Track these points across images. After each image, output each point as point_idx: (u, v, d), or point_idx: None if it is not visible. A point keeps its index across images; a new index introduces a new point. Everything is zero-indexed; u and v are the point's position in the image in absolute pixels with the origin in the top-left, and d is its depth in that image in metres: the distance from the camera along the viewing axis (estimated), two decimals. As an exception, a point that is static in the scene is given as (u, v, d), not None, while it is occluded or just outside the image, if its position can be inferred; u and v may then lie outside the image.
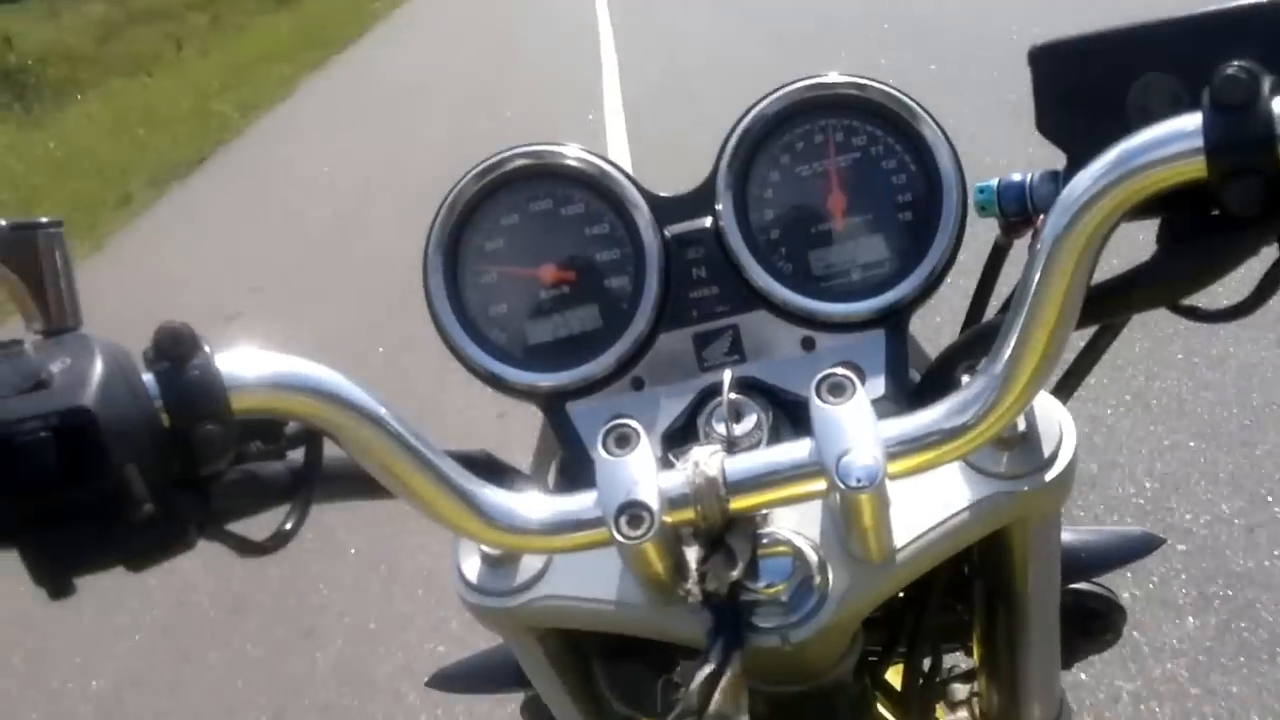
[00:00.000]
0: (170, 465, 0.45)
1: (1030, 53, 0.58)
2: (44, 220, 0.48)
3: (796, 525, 0.59)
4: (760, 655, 0.56)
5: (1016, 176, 0.63)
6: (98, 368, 0.43)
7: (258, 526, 0.52)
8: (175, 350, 0.45)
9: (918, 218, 0.68)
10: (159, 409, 0.45)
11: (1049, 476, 0.58)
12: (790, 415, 0.65)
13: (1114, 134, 0.48)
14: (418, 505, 0.52)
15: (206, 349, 0.46)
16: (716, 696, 0.49)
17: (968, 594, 0.76)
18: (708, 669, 0.50)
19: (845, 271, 0.68)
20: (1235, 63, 0.45)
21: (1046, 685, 0.76)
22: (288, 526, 0.52)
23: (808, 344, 0.67)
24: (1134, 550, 0.88)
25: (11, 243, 0.47)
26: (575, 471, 0.67)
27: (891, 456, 0.51)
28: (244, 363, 0.47)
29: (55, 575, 0.43)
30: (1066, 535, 0.82)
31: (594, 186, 0.69)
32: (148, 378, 0.45)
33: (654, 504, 0.50)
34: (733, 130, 0.69)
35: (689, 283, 0.68)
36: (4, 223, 0.47)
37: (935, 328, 1.89)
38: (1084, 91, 0.57)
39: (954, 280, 0.69)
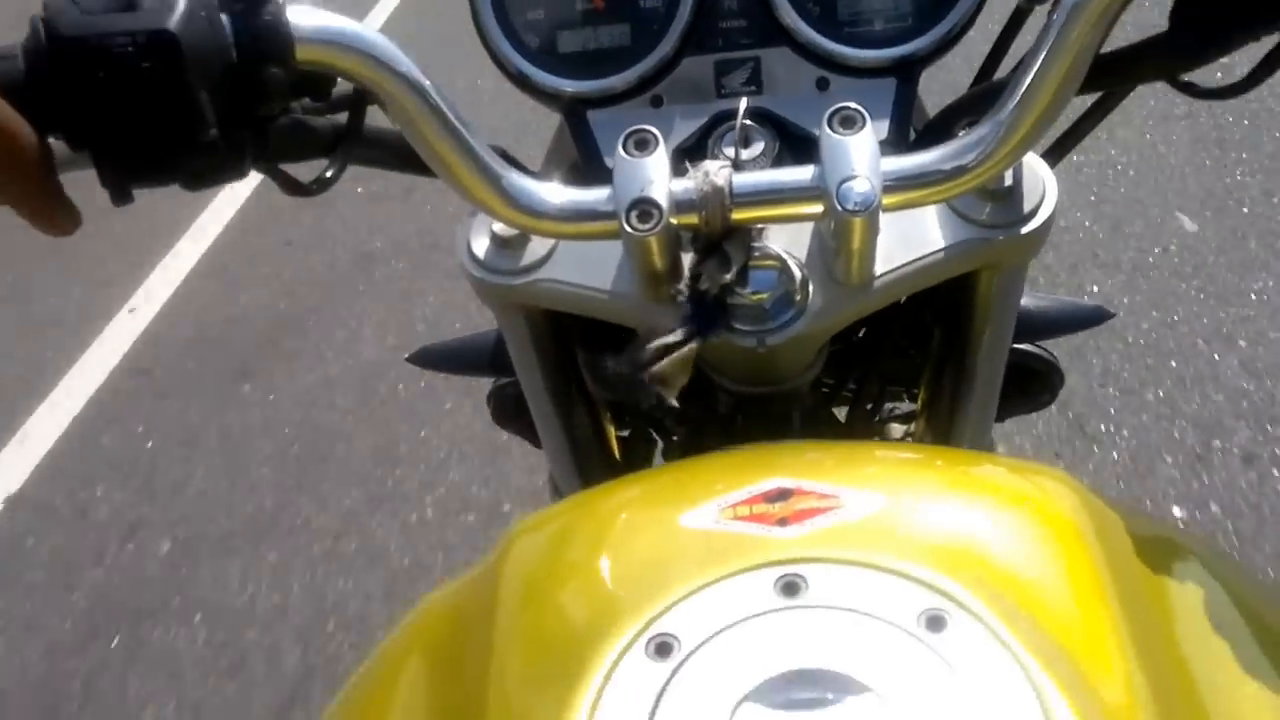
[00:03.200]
0: (234, 100, 0.49)
1: None
2: None
3: (786, 245, 0.65)
4: (734, 354, 0.63)
5: None
6: None
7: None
8: None
9: None
10: (230, 45, 0.49)
11: (1026, 229, 0.63)
12: (795, 149, 0.69)
13: None
14: (447, 177, 0.57)
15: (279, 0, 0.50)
16: (663, 362, 0.56)
17: (923, 340, 0.83)
18: (667, 339, 0.56)
19: (870, 20, 0.70)
20: None
21: (980, 433, 0.84)
22: (328, 174, 0.57)
23: (822, 84, 0.70)
24: (1082, 320, 0.93)
25: None
26: (587, 174, 0.72)
27: (888, 189, 0.56)
28: (311, 17, 0.51)
29: (120, 182, 0.49)
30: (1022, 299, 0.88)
31: None
32: (224, 17, 0.49)
33: (664, 203, 0.55)
34: None
35: (719, 13, 0.71)
36: None
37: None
38: None
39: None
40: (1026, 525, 0.46)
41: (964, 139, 0.57)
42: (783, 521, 0.46)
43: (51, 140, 0.48)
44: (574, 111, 0.71)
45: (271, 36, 0.49)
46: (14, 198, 0.47)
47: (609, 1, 0.71)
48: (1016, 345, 0.89)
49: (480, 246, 0.68)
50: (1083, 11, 0.51)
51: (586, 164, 0.71)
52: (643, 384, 0.56)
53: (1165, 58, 0.58)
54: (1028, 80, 0.54)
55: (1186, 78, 0.60)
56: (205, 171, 0.50)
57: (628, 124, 0.70)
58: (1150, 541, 0.49)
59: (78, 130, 0.47)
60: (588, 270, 0.66)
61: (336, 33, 0.51)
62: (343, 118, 0.59)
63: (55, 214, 0.49)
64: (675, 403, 0.58)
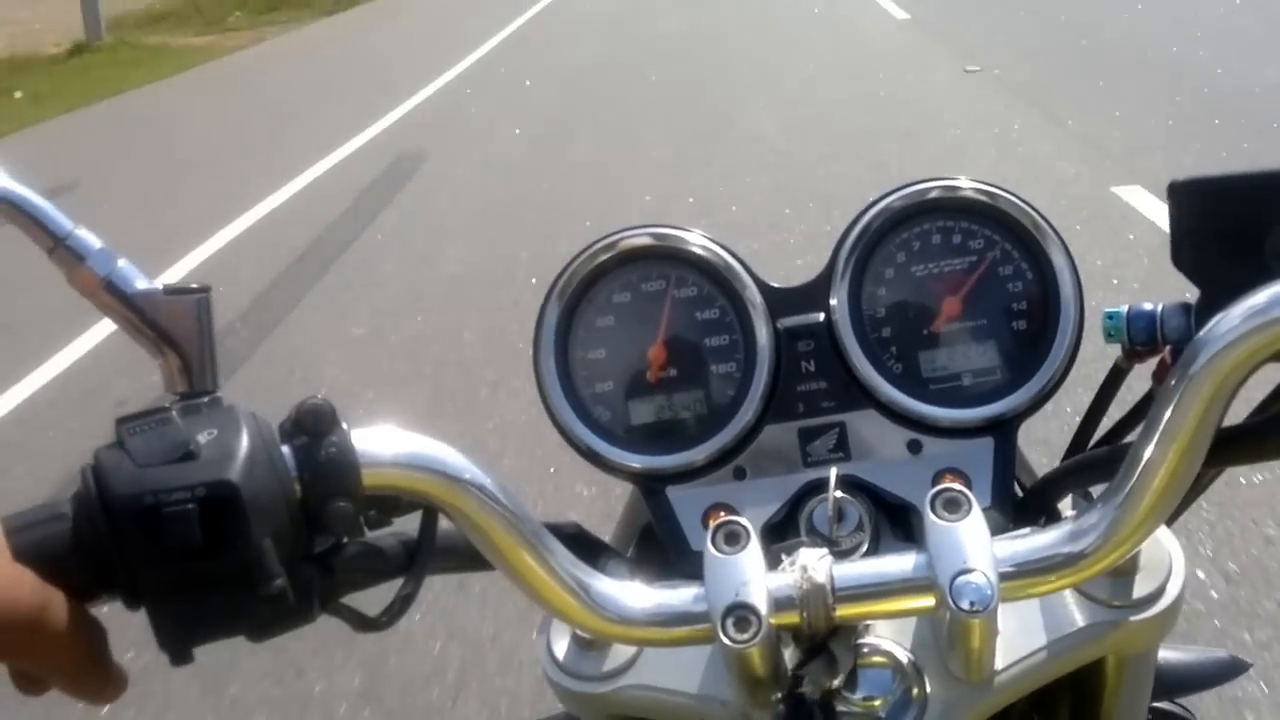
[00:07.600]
0: (298, 541, 0.46)
1: (1170, 186, 0.58)
2: (195, 286, 0.49)
3: (894, 634, 0.58)
4: None
5: (1147, 306, 0.62)
6: (243, 441, 0.44)
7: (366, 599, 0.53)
8: (315, 426, 0.46)
9: (1032, 326, 0.67)
10: (294, 481, 0.46)
11: (1156, 609, 0.57)
12: (892, 518, 0.64)
13: (1250, 276, 0.47)
14: (525, 588, 0.52)
15: (344, 425, 0.47)
16: None
17: (1050, 707, 0.74)
18: None
19: (955, 376, 0.67)
20: None
21: None
22: (405, 594, 0.51)
23: (914, 447, 0.66)
24: (1218, 673, 0.86)
25: (164, 307, 0.48)
26: (668, 553, 0.67)
27: (1005, 578, 0.50)
28: (376, 441, 0.48)
29: (180, 642, 0.44)
30: None
31: (710, 272, 0.68)
32: (285, 451, 0.46)
33: (762, 608, 0.50)
34: (852, 225, 0.68)
35: (798, 376, 0.67)
36: (160, 287, 0.49)
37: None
38: (1222, 230, 0.57)
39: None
40: None
41: (1082, 520, 0.51)
42: None
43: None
44: (651, 488, 0.67)
45: (339, 469, 0.46)
46: (53, 675, 0.43)
47: (681, 369, 0.68)
48: (1151, 704, 0.80)
49: (561, 648, 0.62)
50: (1199, 388, 0.47)
51: (668, 543, 0.67)
52: None
53: None
54: (1145, 458, 0.49)
55: None
56: (270, 622, 0.45)
57: (709, 500, 0.65)
58: None
59: (132, 593, 0.43)
60: (680, 671, 0.60)
61: (407, 456, 0.48)
62: (406, 526, 0.55)
63: (102, 686, 0.44)
64: None
